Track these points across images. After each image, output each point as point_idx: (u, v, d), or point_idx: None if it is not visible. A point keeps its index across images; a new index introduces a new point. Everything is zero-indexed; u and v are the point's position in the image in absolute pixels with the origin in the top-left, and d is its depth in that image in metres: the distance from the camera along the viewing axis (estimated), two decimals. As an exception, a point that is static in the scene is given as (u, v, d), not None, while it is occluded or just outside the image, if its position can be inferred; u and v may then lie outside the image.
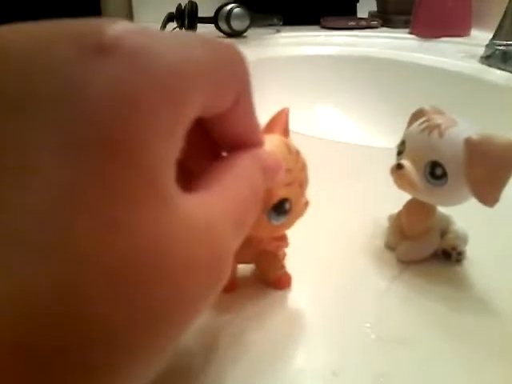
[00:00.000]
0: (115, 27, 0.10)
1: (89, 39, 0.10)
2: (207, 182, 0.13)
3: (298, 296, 0.20)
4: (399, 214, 0.22)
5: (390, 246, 0.23)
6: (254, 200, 0.14)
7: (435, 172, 0.19)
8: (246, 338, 0.18)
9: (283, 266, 0.20)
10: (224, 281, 0.12)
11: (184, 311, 0.10)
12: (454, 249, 0.22)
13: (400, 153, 0.21)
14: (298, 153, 0.17)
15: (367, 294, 0.20)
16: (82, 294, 0.08)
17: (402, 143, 0.21)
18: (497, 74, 0.57)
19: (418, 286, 0.20)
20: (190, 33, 0.12)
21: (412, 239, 0.22)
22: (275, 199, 0.16)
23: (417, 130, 0.20)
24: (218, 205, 0.12)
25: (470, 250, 0.22)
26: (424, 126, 0.20)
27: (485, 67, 0.62)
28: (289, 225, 0.18)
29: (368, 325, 0.18)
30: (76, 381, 0.09)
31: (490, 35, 0.63)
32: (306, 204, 0.18)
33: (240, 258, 0.20)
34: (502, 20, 0.62)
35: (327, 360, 0.17)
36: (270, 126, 0.18)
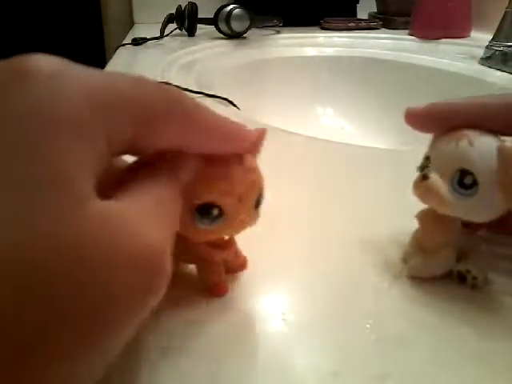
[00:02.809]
0: (28, 57, 0.12)
1: (9, 67, 0.11)
2: (127, 188, 0.13)
3: (298, 296, 0.20)
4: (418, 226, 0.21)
5: (405, 259, 0.22)
6: (172, 201, 0.14)
7: (465, 181, 0.18)
8: (246, 337, 0.18)
9: (220, 274, 0.20)
10: (161, 279, 0.12)
11: (114, 307, 0.11)
12: (468, 272, 0.20)
13: (423, 168, 0.20)
14: (252, 170, 0.17)
15: (367, 294, 0.20)
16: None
17: (426, 158, 0.20)
18: (497, 76, 0.58)
19: (418, 286, 0.20)
20: (116, 72, 0.14)
21: (425, 254, 0.20)
22: (199, 200, 0.16)
23: (443, 143, 0.19)
24: (137, 207, 0.13)
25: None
26: (450, 137, 0.19)
27: (485, 68, 0.62)
28: (217, 234, 0.18)
29: (368, 325, 0.18)
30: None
31: (490, 36, 0.64)
32: (242, 222, 0.17)
33: (179, 256, 0.19)
34: (502, 21, 0.62)
35: (327, 360, 0.17)
36: None
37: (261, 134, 0.17)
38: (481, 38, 0.75)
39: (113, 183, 0.13)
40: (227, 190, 0.16)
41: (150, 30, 0.79)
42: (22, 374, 0.09)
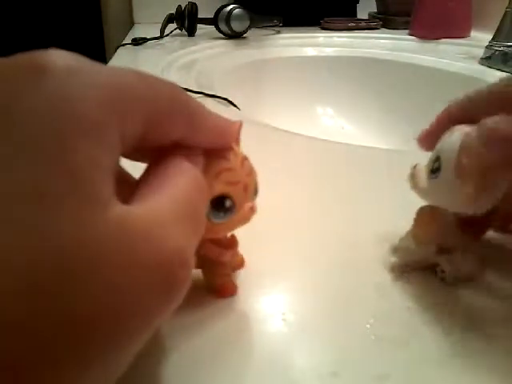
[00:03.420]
0: (44, 52, 0.11)
1: (23, 61, 0.11)
2: (147, 191, 0.13)
3: (298, 296, 0.20)
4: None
5: (396, 249, 0.22)
6: (198, 192, 0.14)
7: (434, 166, 0.19)
8: (246, 337, 0.18)
9: (228, 274, 0.20)
10: (181, 283, 0.12)
11: (130, 311, 0.10)
12: (438, 265, 0.21)
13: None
14: (244, 158, 0.18)
15: (367, 294, 0.20)
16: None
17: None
18: (497, 76, 0.57)
19: (418, 286, 0.20)
20: (126, 68, 0.14)
21: (415, 245, 0.21)
22: (214, 193, 0.16)
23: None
24: (160, 209, 0.12)
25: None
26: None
27: (485, 68, 0.62)
28: (230, 227, 0.18)
29: (368, 325, 0.18)
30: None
31: (490, 36, 0.64)
32: (252, 209, 0.17)
33: None
34: (502, 21, 0.62)
35: (327, 360, 0.17)
36: None
37: (239, 126, 0.18)
38: (481, 37, 0.75)
39: (129, 189, 0.13)
40: (234, 180, 0.17)
41: (149, 30, 0.79)
42: (29, 378, 0.09)
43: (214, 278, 0.20)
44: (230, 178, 0.17)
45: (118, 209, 0.11)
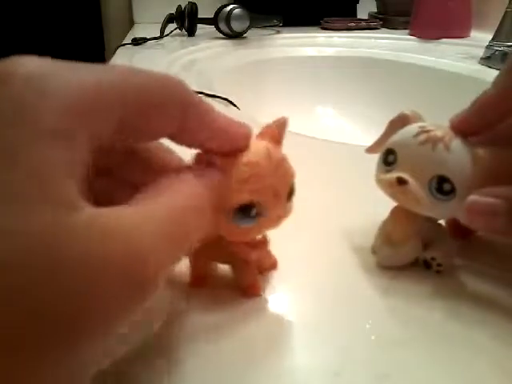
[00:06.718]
0: (8, 61, 0.11)
1: None
2: (142, 197, 0.13)
3: (298, 296, 0.20)
4: (386, 220, 0.22)
5: (374, 251, 0.22)
6: (194, 214, 0.14)
7: (443, 187, 0.19)
8: (246, 337, 0.18)
9: (255, 274, 0.20)
10: (146, 287, 0.12)
11: (88, 314, 0.10)
12: (433, 259, 0.21)
13: (390, 163, 0.20)
14: (281, 161, 0.17)
15: (367, 294, 0.20)
16: None
17: (391, 152, 0.20)
18: (496, 75, 0.57)
19: (418, 286, 0.20)
20: (116, 65, 0.14)
21: (393, 245, 0.21)
22: (236, 202, 0.16)
23: (414, 142, 0.19)
24: (142, 216, 0.12)
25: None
26: (423, 137, 0.19)
27: (485, 68, 0.62)
28: (257, 231, 0.18)
29: (368, 325, 0.18)
30: None
31: (490, 36, 0.64)
32: (279, 217, 0.17)
33: (212, 256, 0.20)
34: (502, 21, 0.62)
35: (327, 360, 0.17)
36: (261, 133, 0.18)
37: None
38: (481, 37, 0.75)
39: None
40: (262, 188, 0.16)
41: (150, 30, 0.79)
42: None
43: (241, 276, 0.20)
44: (259, 184, 0.16)
45: (87, 209, 0.11)
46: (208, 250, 0.19)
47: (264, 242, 0.20)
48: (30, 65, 0.12)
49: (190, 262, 0.20)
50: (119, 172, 0.17)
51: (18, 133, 0.10)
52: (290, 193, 0.18)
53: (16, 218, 0.10)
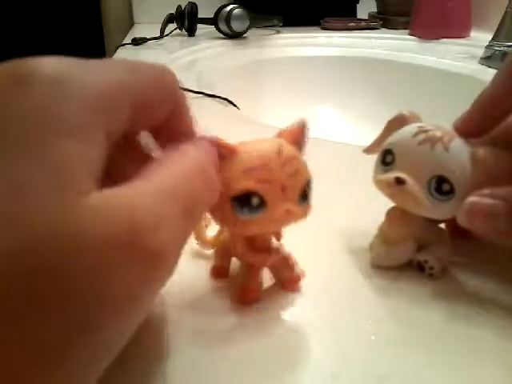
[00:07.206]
0: (24, 62, 0.12)
1: (5, 71, 0.12)
2: (146, 171, 0.13)
3: (297, 297, 0.20)
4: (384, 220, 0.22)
5: (370, 249, 0.22)
6: (203, 179, 0.14)
7: (442, 187, 0.19)
8: (245, 338, 0.18)
9: (254, 279, 0.19)
10: (159, 264, 0.12)
11: (105, 293, 0.11)
12: (426, 262, 0.21)
13: (387, 164, 0.20)
14: (292, 158, 0.17)
15: (367, 294, 0.20)
16: None
17: (389, 152, 0.20)
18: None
19: (418, 286, 0.20)
20: (112, 59, 0.14)
21: (388, 245, 0.21)
22: (237, 188, 0.16)
23: (413, 142, 0.19)
24: (152, 189, 0.12)
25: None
26: (422, 137, 0.19)
27: (485, 68, 0.62)
28: (259, 226, 0.17)
29: (368, 325, 0.18)
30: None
31: (490, 36, 0.64)
32: (288, 212, 0.17)
33: (230, 250, 0.20)
34: (502, 21, 0.62)
35: (327, 361, 0.17)
36: (280, 133, 0.18)
37: (302, 125, 0.18)
38: (481, 37, 0.75)
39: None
40: (266, 178, 0.16)
41: (150, 30, 0.79)
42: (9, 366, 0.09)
43: (241, 277, 0.19)
44: (263, 175, 0.16)
45: (100, 195, 0.11)
46: (228, 244, 0.20)
47: (277, 249, 0.19)
48: (49, 66, 0.12)
49: (216, 253, 0.21)
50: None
51: (39, 128, 0.11)
52: (304, 193, 0.17)
53: (24, 205, 0.10)
